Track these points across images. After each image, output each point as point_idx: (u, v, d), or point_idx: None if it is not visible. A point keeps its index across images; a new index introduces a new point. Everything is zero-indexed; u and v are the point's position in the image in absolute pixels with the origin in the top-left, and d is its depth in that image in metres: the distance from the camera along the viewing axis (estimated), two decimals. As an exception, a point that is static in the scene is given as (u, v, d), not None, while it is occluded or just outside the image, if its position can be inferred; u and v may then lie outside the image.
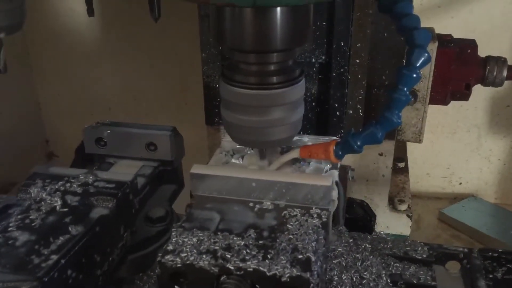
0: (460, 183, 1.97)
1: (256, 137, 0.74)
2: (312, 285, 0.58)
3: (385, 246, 0.84)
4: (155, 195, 0.90)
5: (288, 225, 0.66)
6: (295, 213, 0.68)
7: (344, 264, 0.75)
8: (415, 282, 0.78)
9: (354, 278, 0.74)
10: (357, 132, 0.72)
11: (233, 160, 0.80)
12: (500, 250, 0.84)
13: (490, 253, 0.83)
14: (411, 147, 1.73)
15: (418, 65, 0.66)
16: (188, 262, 0.60)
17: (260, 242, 0.63)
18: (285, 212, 0.68)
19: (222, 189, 0.72)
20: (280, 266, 0.59)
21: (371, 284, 0.74)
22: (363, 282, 0.74)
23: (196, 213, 0.69)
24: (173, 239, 0.63)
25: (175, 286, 0.62)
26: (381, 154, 1.22)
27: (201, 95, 1.11)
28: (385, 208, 1.30)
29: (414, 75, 0.66)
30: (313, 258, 0.60)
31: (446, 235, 1.76)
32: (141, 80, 1.89)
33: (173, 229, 0.65)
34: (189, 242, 0.63)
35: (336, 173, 0.77)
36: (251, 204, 0.70)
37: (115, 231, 0.70)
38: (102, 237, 0.66)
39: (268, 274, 0.58)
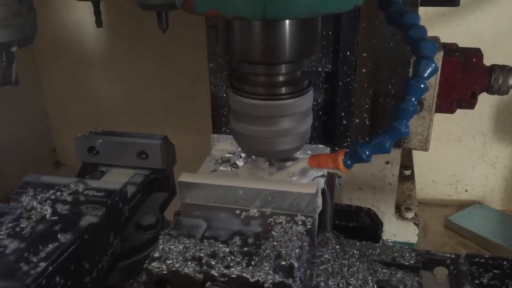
0: (466, 190, 1.98)
1: (265, 147, 0.75)
2: (294, 291, 0.59)
3: (373, 252, 0.86)
4: (147, 203, 0.91)
5: (273, 232, 0.67)
6: (280, 220, 0.70)
7: (330, 270, 0.76)
8: (402, 287, 0.79)
9: (341, 284, 0.76)
10: (365, 141, 0.73)
11: (221, 168, 0.81)
12: (487, 256, 0.85)
13: (477, 259, 0.85)
14: (417, 155, 1.74)
15: (425, 75, 0.68)
16: (173, 269, 0.61)
17: (245, 249, 0.64)
18: (270, 219, 0.70)
19: (210, 197, 0.73)
20: (263, 273, 0.60)
21: (357, 290, 0.76)
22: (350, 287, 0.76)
23: (184, 220, 0.71)
24: (160, 246, 0.65)
25: (162, 293, 0.63)
26: (387, 163, 1.23)
27: (207, 103, 1.13)
28: (392, 216, 1.32)
29: (422, 86, 0.68)
30: (296, 265, 0.61)
31: (453, 242, 1.78)
32: (147, 89, 1.92)
33: (160, 237, 0.67)
34: (175, 249, 0.64)
35: (322, 181, 0.78)
36: (237, 212, 0.72)
37: (105, 239, 0.71)
38: (91, 245, 0.67)
39: (251, 280, 0.60)
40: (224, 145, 0.88)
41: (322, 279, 0.75)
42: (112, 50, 1.89)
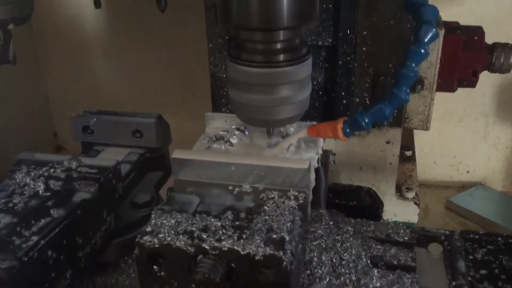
0: (468, 172, 1.97)
1: (264, 115, 0.75)
2: (285, 263, 0.59)
3: (368, 229, 0.86)
4: (142, 182, 0.92)
5: (265, 207, 0.67)
6: (272, 196, 0.70)
7: (323, 246, 0.77)
8: (395, 263, 0.79)
9: (334, 260, 0.76)
10: (365, 109, 0.73)
11: (215, 145, 0.81)
12: (481, 232, 0.85)
13: (472, 235, 0.85)
14: (418, 136, 1.73)
15: (426, 40, 0.67)
16: (165, 242, 0.62)
17: (237, 223, 0.65)
18: (263, 194, 0.70)
19: (203, 174, 0.73)
20: (254, 246, 0.60)
21: (351, 265, 0.76)
22: (343, 263, 0.76)
23: (176, 196, 0.71)
24: (152, 221, 0.65)
25: (154, 267, 0.64)
26: (388, 142, 1.23)
27: (208, 86, 1.12)
28: (393, 196, 1.31)
29: (422, 51, 0.67)
30: (287, 238, 0.62)
31: (454, 223, 1.77)
32: (147, 72, 1.91)
33: (152, 212, 0.67)
34: (167, 223, 0.65)
35: (315, 157, 0.78)
36: (230, 188, 0.72)
37: (98, 215, 0.71)
38: (84, 220, 0.68)
39: (242, 253, 0.60)
40: (218, 123, 0.88)
41: (315, 255, 0.75)
42: (111, 32, 1.88)
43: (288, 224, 0.64)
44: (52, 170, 0.73)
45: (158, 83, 1.94)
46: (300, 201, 0.69)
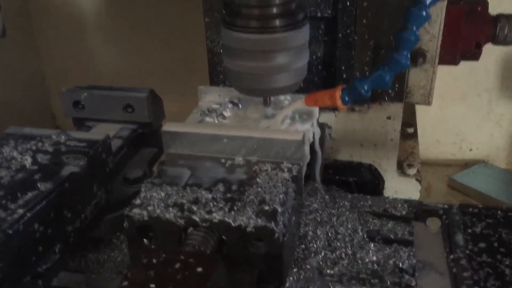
0: (471, 149, 1.95)
1: (260, 84, 0.73)
2: (277, 235, 0.58)
3: (365, 204, 0.85)
4: (135, 158, 0.90)
5: (257, 179, 0.66)
6: (265, 168, 0.68)
7: (319, 220, 0.75)
8: (392, 237, 0.78)
9: (330, 233, 0.75)
10: (364, 76, 0.71)
11: (207, 119, 0.80)
12: (480, 206, 0.84)
13: (471, 209, 0.83)
14: (420, 114, 1.70)
15: (428, 3, 0.64)
16: (154, 215, 0.60)
17: (228, 195, 0.63)
18: (256, 167, 0.69)
19: (194, 147, 0.72)
20: (246, 217, 0.59)
21: (347, 239, 0.75)
22: (338, 237, 0.75)
23: (167, 169, 0.69)
24: (142, 194, 0.64)
25: (144, 240, 0.63)
26: (389, 118, 1.21)
27: (207, 65, 1.10)
28: (394, 173, 1.29)
29: (424, 13, 0.65)
30: (279, 210, 0.60)
31: (457, 201, 1.75)
32: (146, 51, 1.88)
33: (142, 185, 0.66)
34: (157, 196, 0.63)
35: (309, 129, 0.76)
36: (222, 161, 0.70)
37: (88, 189, 0.70)
38: (73, 194, 0.66)
39: (233, 225, 0.59)
40: (211, 96, 0.86)
41: (310, 228, 0.74)
42: (109, 10, 1.85)
43: (280, 196, 0.62)
44: (40, 144, 0.71)
45: (157, 62, 1.91)
46: (294, 174, 0.67)
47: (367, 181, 1.08)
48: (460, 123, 1.91)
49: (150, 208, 0.61)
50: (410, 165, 1.34)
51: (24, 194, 0.61)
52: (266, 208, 0.60)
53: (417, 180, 1.34)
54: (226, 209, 0.60)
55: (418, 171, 1.33)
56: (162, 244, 0.62)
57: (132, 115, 0.87)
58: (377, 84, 0.70)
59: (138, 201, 0.63)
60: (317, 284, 0.69)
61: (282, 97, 0.83)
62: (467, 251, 0.74)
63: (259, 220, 0.58)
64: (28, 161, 0.67)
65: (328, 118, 1.31)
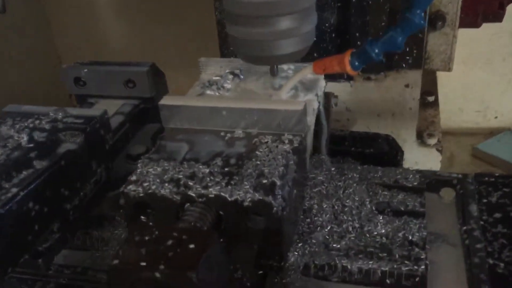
0: (496, 117, 1.88)
1: (266, 51, 0.71)
2: (275, 209, 0.56)
3: (375, 175, 0.82)
4: (139, 134, 0.89)
5: (257, 152, 0.64)
6: (266, 140, 0.66)
7: (324, 193, 0.73)
8: (403, 209, 0.75)
9: (336, 206, 0.72)
10: (374, 38, 0.67)
11: (208, 92, 0.77)
12: (497, 174, 0.80)
13: (487, 178, 0.80)
14: (442, 81, 1.65)
15: None
16: (150, 191, 0.59)
17: (226, 169, 0.61)
18: (256, 139, 0.66)
19: (193, 120, 0.70)
20: (243, 191, 0.57)
21: (354, 212, 0.72)
22: (345, 210, 0.72)
23: (165, 144, 0.68)
24: (138, 170, 0.63)
25: (142, 217, 0.61)
26: (407, 86, 1.17)
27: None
28: (413, 143, 1.26)
29: None
30: (278, 183, 0.58)
31: (480, 171, 1.71)
32: (158, 28, 1.86)
33: (139, 161, 0.64)
34: (153, 172, 0.62)
35: (313, 99, 0.73)
36: (222, 134, 0.68)
37: (86, 166, 0.69)
38: (70, 172, 0.65)
39: (229, 199, 0.57)
40: (213, 68, 0.84)
41: (315, 202, 0.72)
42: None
43: (280, 169, 0.60)
44: (37, 121, 0.70)
45: (169, 39, 1.89)
46: (295, 145, 0.65)
47: (384, 153, 1.04)
48: (484, 90, 1.84)
49: (145, 184, 0.60)
50: (430, 135, 1.30)
51: (19, 172, 0.60)
52: (264, 181, 0.58)
53: (437, 150, 1.30)
54: (223, 184, 0.59)
55: (439, 140, 1.29)
56: (160, 220, 0.60)
57: (134, 90, 0.86)
58: (389, 46, 0.67)
59: (134, 177, 0.61)
60: (322, 259, 0.67)
61: (285, 67, 0.80)
62: (481, 222, 0.71)
63: (256, 194, 0.57)
64: (24, 139, 0.66)
65: (343, 88, 1.28)
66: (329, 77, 1.25)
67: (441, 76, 1.74)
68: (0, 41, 1.71)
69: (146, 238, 0.51)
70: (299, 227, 0.70)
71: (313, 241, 0.69)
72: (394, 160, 1.03)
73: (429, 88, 1.48)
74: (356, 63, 0.69)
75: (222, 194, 0.57)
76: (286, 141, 0.65)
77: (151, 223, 0.61)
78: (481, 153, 1.76)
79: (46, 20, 1.95)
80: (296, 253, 0.67)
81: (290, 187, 0.61)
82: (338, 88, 1.28)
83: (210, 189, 0.58)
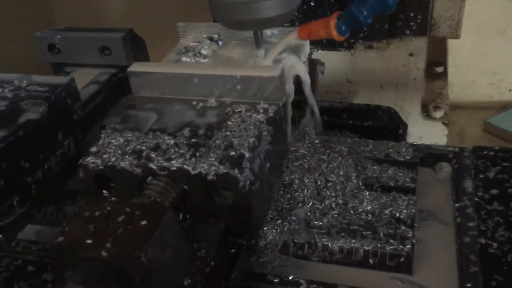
0: (510, 90, 1.80)
1: (247, 15, 0.65)
2: (241, 183, 0.52)
3: (365, 149, 0.77)
4: (117, 106, 0.84)
5: (228, 122, 0.59)
6: (239, 109, 0.61)
7: (306, 167, 0.68)
8: (392, 184, 0.70)
9: (319, 181, 0.68)
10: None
11: (184, 59, 0.72)
12: (497, 148, 0.74)
13: (485, 152, 0.74)
14: (453, 51, 1.57)
15: None
16: (109, 163, 0.55)
17: (193, 140, 0.57)
18: (229, 109, 0.62)
19: (163, 88, 0.65)
20: (207, 164, 0.53)
21: (338, 188, 0.68)
22: (329, 185, 0.68)
23: (133, 114, 0.64)
24: (100, 141, 0.58)
25: (104, 191, 0.58)
26: (411, 55, 1.11)
27: None
28: (418, 116, 1.20)
29: None
30: (247, 155, 0.54)
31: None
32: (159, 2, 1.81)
33: (102, 131, 0.60)
34: (115, 143, 0.58)
35: (295, 64, 0.68)
36: (194, 103, 0.64)
37: (50, 138, 0.65)
38: (31, 143, 0.62)
39: (192, 172, 0.53)
40: (193, 34, 0.78)
41: (296, 176, 0.67)
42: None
43: (250, 140, 0.56)
44: (0, 89, 0.66)
45: (173, 7, 1.83)
46: (270, 114, 0.60)
47: (384, 126, 0.99)
48: (498, 61, 1.75)
49: (105, 156, 0.56)
50: (436, 107, 1.24)
51: (-28, 143, 0.57)
52: (232, 153, 0.54)
53: (443, 123, 1.24)
54: (188, 156, 0.54)
55: (445, 113, 1.23)
56: (123, 196, 0.57)
57: (110, 58, 0.81)
58: (378, 8, 0.61)
59: (94, 149, 0.57)
60: (302, 237, 0.63)
61: (269, 33, 0.75)
62: (476, 199, 0.66)
63: (221, 167, 0.52)
64: (-18, 108, 0.62)
65: (343, 57, 1.22)
66: (328, 46, 1.20)
67: (453, 47, 1.66)
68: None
69: (97, 214, 0.47)
70: (278, 203, 0.66)
71: (293, 218, 0.65)
72: (396, 134, 0.98)
73: (438, 58, 1.41)
74: (343, 27, 0.64)
75: (185, 167, 0.53)
76: (261, 111, 0.61)
77: (114, 198, 0.57)
78: (494, 127, 1.69)
79: None
80: (275, 231, 0.64)
81: (262, 160, 0.56)
82: (338, 58, 1.22)
83: (173, 162, 0.54)
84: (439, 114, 1.23)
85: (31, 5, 1.84)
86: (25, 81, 0.67)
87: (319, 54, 1.16)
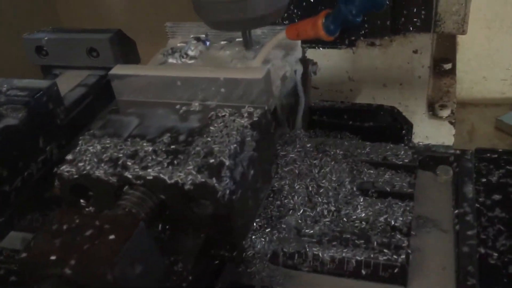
0: None
1: (235, 14, 0.63)
2: (220, 193, 0.49)
3: (362, 151, 0.74)
4: (106, 110, 0.82)
5: (210, 127, 0.56)
6: (223, 114, 0.59)
7: (297, 172, 0.65)
8: (388, 190, 0.67)
9: (310, 187, 0.65)
10: None
11: (170, 60, 0.70)
12: (500, 150, 0.71)
13: (488, 154, 0.70)
14: (463, 47, 1.52)
15: None
16: (84, 172, 0.53)
17: (172, 147, 0.54)
18: (212, 113, 0.59)
19: (146, 92, 0.63)
20: (184, 173, 0.50)
21: (330, 194, 0.64)
22: (320, 191, 0.65)
23: (114, 119, 0.61)
24: (77, 148, 0.56)
25: (81, 201, 0.55)
26: (415, 52, 1.08)
27: None
28: (424, 115, 1.17)
29: None
30: (227, 163, 0.51)
31: (504, 145, 1.61)
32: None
33: (80, 137, 0.58)
34: (92, 150, 0.56)
35: (282, 65, 0.65)
36: (177, 107, 0.61)
37: (30, 144, 0.63)
38: (9, 150, 0.60)
39: (168, 182, 0.50)
40: (182, 34, 0.76)
41: (286, 182, 0.64)
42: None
43: (232, 146, 0.53)
44: (-21, 95, 0.65)
45: (174, 7, 1.81)
46: (255, 119, 0.57)
47: (386, 126, 0.96)
48: (510, 56, 1.70)
49: (81, 164, 0.54)
50: (443, 106, 1.20)
51: None
52: (212, 161, 0.51)
53: (450, 123, 1.20)
54: (165, 164, 0.52)
55: (452, 112, 1.19)
56: (100, 205, 0.54)
57: (98, 60, 0.79)
58: (368, 5, 0.58)
59: (70, 157, 0.55)
60: (292, 246, 0.60)
61: (259, 32, 0.72)
62: (477, 205, 0.63)
63: (199, 176, 0.50)
64: (-40, 114, 0.61)
65: (345, 55, 1.19)
66: (329, 44, 1.17)
67: (463, 42, 1.62)
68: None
69: (65, 227, 0.45)
70: (267, 211, 0.63)
71: (283, 226, 0.62)
72: (399, 134, 0.94)
73: (447, 54, 1.37)
74: (332, 27, 0.60)
75: (161, 175, 0.50)
76: (245, 115, 0.58)
77: (92, 208, 0.55)
78: (505, 125, 1.64)
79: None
80: (263, 240, 0.61)
81: (244, 167, 0.53)
82: (340, 56, 1.19)
83: (149, 170, 0.51)
84: (445, 113, 1.19)
85: (36, 5, 1.84)
86: (5, 85, 0.66)
87: (319, 52, 1.13)
